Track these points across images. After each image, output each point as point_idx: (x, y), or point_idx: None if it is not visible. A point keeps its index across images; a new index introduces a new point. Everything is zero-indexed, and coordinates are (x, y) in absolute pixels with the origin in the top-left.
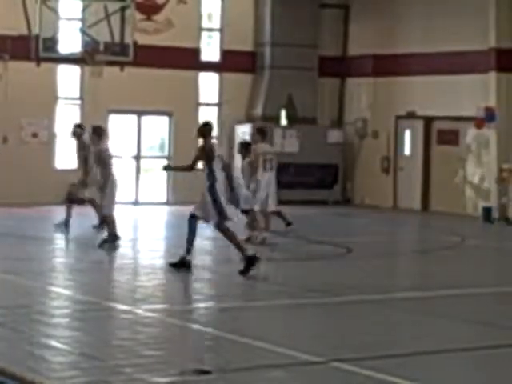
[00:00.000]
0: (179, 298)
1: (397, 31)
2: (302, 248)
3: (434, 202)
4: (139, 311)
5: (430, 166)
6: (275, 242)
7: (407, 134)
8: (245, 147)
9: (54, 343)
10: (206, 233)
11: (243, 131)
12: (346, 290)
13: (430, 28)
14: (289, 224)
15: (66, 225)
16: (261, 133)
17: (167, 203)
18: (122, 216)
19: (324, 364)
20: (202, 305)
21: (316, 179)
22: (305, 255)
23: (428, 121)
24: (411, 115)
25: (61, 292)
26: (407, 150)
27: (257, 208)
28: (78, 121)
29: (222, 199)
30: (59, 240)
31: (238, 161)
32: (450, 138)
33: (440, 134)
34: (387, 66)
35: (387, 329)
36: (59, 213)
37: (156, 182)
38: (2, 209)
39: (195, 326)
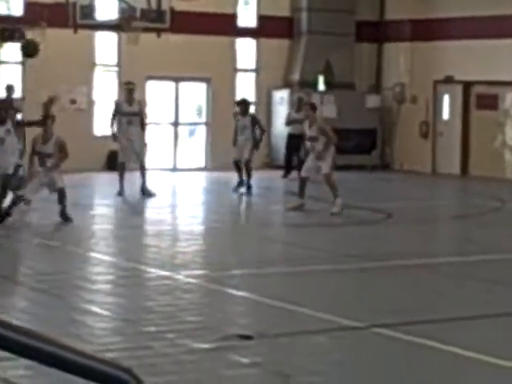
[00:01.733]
0: (219, 264)
1: None
2: (343, 213)
3: (473, 167)
4: (179, 277)
5: (469, 131)
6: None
7: (446, 99)
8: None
9: (95, 309)
10: (245, 198)
11: (281, 96)
12: (386, 256)
13: None
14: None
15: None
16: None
17: (205, 169)
18: (161, 182)
19: (365, 329)
20: (241, 271)
21: (354, 144)
22: (344, 221)
23: (466, 85)
24: (449, 80)
25: (102, 258)
26: (446, 115)
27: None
28: (115, 87)
29: None
30: (99, 206)
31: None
32: (489, 102)
33: (479, 99)
34: (425, 30)
35: (428, 294)
36: (98, 179)
37: (194, 148)
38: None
39: (235, 292)
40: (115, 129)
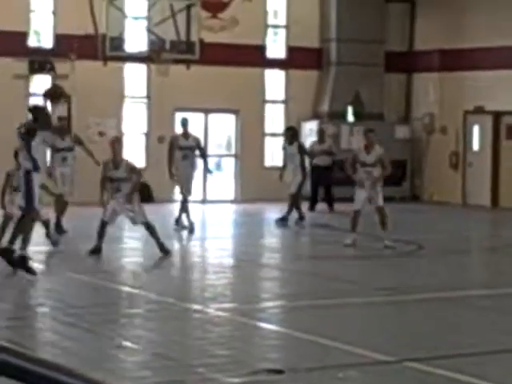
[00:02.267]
0: (249, 297)
1: (463, 25)
2: (372, 245)
3: (504, 199)
4: (210, 310)
5: (499, 162)
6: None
7: (475, 129)
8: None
9: (126, 343)
10: (275, 230)
11: (310, 128)
12: (418, 288)
13: (496, 21)
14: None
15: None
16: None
17: (235, 201)
18: (191, 214)
19: (397, 363)
20: (271, 303)
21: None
22: (375, 252)
23: (496, 116)
24: (479, 110)
25: (131, 291)
26: (476, 146)
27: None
28: (145, 119)
29: None
30: (128, 239)
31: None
32: None
33: (509, 129)
34: (454, 60)
35: (459, 327)
36: None
37: (224, 180)
38: (71, 208)
39: (265, 325)
40: (174, 166)
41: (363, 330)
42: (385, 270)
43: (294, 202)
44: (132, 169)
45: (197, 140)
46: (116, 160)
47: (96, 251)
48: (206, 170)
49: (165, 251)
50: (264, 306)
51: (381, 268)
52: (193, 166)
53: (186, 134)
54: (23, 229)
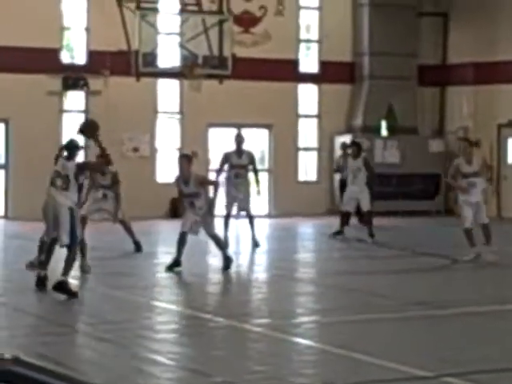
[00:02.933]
0: (284, 312)
1: (497, 38)
2: (406, 260)
3: None
4: (245, 326)
5: None
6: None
7: (510, 142)
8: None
9: (161, 359)
10: (309, 245)
11: (343, 142)
12: (453, 302)
13: None
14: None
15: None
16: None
17: (269, 216)
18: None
19: (434, 379)
20: (306, 318)
21: (418, 189)
22: (409, 267)
23: None
24: None
25: (166, 307)
26: (510, 159)
27: None
28: (178, 135)
29: None
30: (162, 254)
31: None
32: None
33: None
34: (488, 73)
35: (496, 341)
36: (160, 227)
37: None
38: (103, 223)
39: (301, 341)
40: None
41: (399, 345)
42: (419, 284)
43: (370, 217)
44: (201, 183)
45: (251, 156)
46: (185, 176)
47: (175, 265)
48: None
49: (227, 263)
50: (299, 321)
51: (415, 282)
52: (247, 186)
53: (239, 152)
54: (71, 264)
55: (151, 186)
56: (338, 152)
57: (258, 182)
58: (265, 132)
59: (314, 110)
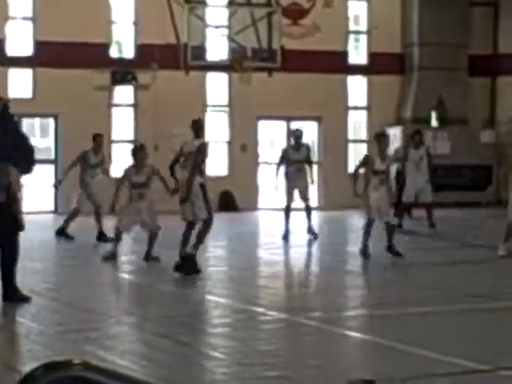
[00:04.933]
0: (336, 305)
1: None
2: (457, 251)
3: None
4: (298, 319)
5: None
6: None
7: None
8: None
9: (215, 353)
10: (360, 237)
11: (393, 133)
12: (507, 295)
13: None
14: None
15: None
16: None
17: (318, 208)
18: (275, 222)
19: (490, 372)
20: (359, 312)
21: (468, 180)
22: (462, 259)
23: None
24: None
25: (218, 301)
26: None
27: None
28: (226, 128)
29: None
30: (212, 247)
31: None
32: None
33: None
34: None
35: None
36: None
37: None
38: (163, 217)
39: (354, 334)
40: (280, 177)
41: (454, 338)
42: (470, 276)
43: (431, 208)
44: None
45: (308, 149)
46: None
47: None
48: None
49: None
50: (353, 315)
51: (468, 274)
52: (306, 178)
53: (298, 146)
54: (203, 238)
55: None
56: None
57: (311, 173)
58: (314, 124)
59: (364, 102)
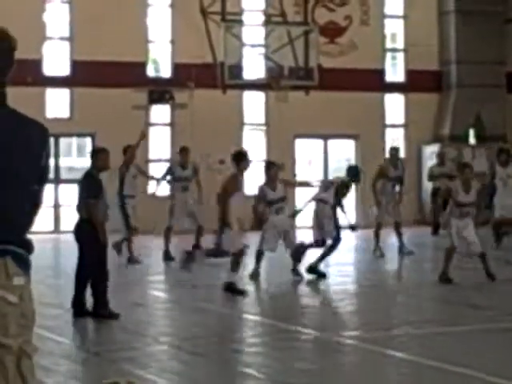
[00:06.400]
0: (375, 324)
1: None
2: (500, 269)
3: None
4: (336, 338)
5: None
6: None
7: None
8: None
9: (253, 372)
10: (396, 255)
11: (431, 151)
12: None
13: None
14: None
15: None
16: None
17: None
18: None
19: None
20: (399, 331)
21: None
22: (504, 277)
23: None
24: None
25: (255, 319)
26: None
27: None
28: (264, 146)
29: None
30: (250, 266)
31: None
32: None
33: None
34: None
35: None
36: (248, 238)
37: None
38: (191, 236)
39: (395, 353)
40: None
41: (499, 358)
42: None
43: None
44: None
45: (404, 167)
46: (272, 183)
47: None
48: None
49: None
50: (392, 334)
51: (508, 293)
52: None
53: (395, 163)
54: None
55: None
56: (428, 161)
57: (401, 190)
58: (351, 143)
59: (401, 120)
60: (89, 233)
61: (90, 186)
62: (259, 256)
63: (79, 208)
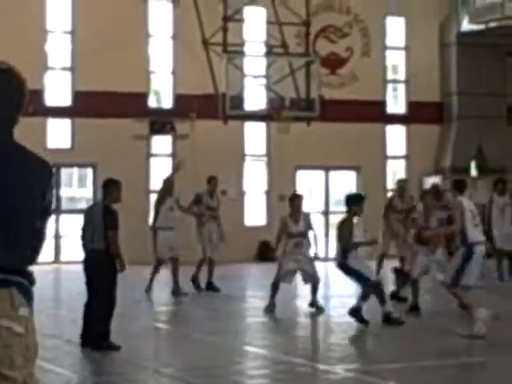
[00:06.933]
0: (377, 356)
1: None
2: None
3: None
4: (338, 371)
5: None
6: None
7: None
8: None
9: None
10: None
11: (432, 183)
12: None
13: None
14: None
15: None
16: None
17: None
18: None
19: None
20: (401, 363)
21: None
22: (507, 307)
23: None
24: None
25: (257, 352)
26: None
27: None
28: (265, 177)
29: None
30: (251, 298)
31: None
32: None
33: None
34: None
35: None
36: (249, 270)
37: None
38: (190, 267)
39: None
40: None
41: None
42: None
43: None
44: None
45: (412, 199)
46: (295, 215)
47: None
48: None
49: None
50: (393, 366)
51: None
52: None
53: (402, 196)
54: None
55: (239, 229)
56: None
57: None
58: (353, 174)
59: (402, 151)
60: (103, 263)
61: (111, 218)
62: (275, 288)
63: (94, 239)
